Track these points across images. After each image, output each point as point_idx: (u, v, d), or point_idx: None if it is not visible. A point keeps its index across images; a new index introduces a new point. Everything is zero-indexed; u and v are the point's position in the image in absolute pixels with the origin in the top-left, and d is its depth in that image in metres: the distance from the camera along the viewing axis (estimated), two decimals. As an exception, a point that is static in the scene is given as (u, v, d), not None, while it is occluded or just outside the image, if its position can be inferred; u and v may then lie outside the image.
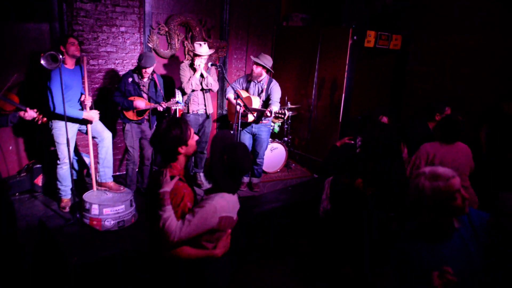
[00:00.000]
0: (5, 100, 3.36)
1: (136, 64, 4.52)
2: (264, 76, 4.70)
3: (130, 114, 4.30)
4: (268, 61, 4.60)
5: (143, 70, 4.19)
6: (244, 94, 4.74)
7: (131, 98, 4.25)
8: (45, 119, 3.55)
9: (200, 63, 4.58)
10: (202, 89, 4.75)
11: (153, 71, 4.33)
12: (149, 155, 4.61)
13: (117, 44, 4.93)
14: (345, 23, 5.62)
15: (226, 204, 2.02)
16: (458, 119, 3.49)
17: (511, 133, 4.37)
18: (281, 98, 4.83)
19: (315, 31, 5.92)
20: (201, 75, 4.66)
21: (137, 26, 5.04)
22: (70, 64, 3.88)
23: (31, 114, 3.42)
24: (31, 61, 4.35)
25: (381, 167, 2.77)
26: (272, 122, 5.87)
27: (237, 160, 2.03)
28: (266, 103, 4.74)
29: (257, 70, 4.60)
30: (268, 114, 4.34)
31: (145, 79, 4.31)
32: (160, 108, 4.28)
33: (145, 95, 4.32)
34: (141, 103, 4.22)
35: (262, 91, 4.74)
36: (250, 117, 4.58)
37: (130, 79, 4.26)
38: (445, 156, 3.37)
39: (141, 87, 4.29)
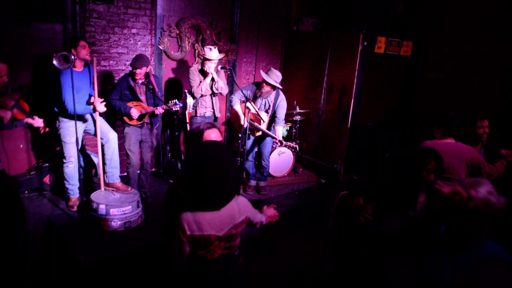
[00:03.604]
0: (19, 109, 3.52)
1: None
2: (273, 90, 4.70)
3: (129, 119, 4.29)
4: (277, 77, 4.56)
5: (135, 72, 4.14)
6: (250, 107, 4.75)
7: (130, 103, 4.23)
8: (47, 129, 3.71)
9: (210, 66, 4.60)
10: (212, 93, 4.78)
11: (148, 73, 4.27)
12: (148, 159, 4.59)
13: (128, 46, 4.97)
14: (355, 28, 5.61)
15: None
16: (450, 116, 3.51)
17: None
18: (289, 104, 4.87)
19: (326, 36, 5.91)
20: (212, 79, 4.68)
21: (148, 28, 5.08)
22: (79, 66, 3.92)
23: (38, 123, 3.62)
24: (43, 61, 4.41)
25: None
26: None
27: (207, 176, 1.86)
28: (272, 119, 4.79)
29: (267, 88, 4.58)
30: (279, 144, 4.59)
31: (140, 82, 4.25)
32: (158, 112, 4.24)
33: (143, 98, 4.31)
34: (135, 112, 4.18)
35: (269, 107, 4.76)
36: (258, 133, 4.70)
37: (126, 84, 4.23)
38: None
39: (137, 90, 4.26)
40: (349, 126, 5.70)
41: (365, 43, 5.43)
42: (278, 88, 4.64)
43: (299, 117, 5.80)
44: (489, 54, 5.32)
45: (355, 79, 5.53)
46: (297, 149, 4.57)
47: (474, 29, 5.46)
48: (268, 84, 4.54)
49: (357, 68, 5.49)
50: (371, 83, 6.27)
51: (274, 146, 5.44)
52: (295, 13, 6.66)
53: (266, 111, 4.78)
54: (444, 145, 3.43)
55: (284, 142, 4.54)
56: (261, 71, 4.71)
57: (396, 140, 5.73)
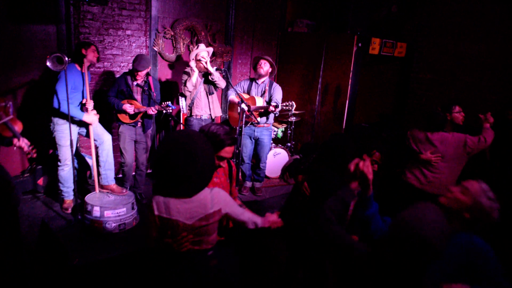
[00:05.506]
0: (9, 126, 3.09)
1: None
2: (266, 77, 4.79)
3: (123, 117, 4.29)
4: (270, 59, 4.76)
5: (136, 73, 4.14)
6: (246, 96, 4.77)
7: (124, 101, 4.23)
8: (35, 155, 3.26)
9: (203, 56, 4.49)
10: (208, 92, 4.72)
11: (148, 74, 4.28)
12: (143, 160, 4.56)
13: (123, 47, 4.96)
14: (350, 30, 5.64)
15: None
16: (438, 111, 3.89)
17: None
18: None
19: (320, 38, 5.93)
20: (208, 74, 4.57)
21: (143, 30, 5.07)
22: (83, 67, 3.92)
23: (22, 144, 3.15)
24: (38, 62, 4.38)
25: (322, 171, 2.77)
26: (276, 127, 5.89)
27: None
28: (269, 103, 4.78)
29: (265, 67, 4.68)
30: (272, 109, 4.42)
31: (139, 82, 4.25)
32: (151, 112, 4.21)
33: (138, 98, 4.30)
34: (129, 107, 4.19)
35: (264, 92, 4.78)
36: (258, 118, 4.66)
37: (123, 82, 4.22)
38: (426, 146, 3.80)
39: (134, 89, 4.26)
40: (344, 127, 5.72)
41: (360, 45, 5.46)
42: (274, 66, 4.77)
43: (294, 118, 5.81)
44: (483, 54, 5.36)
45: (350, 80, 5.55)
46: (294, 105, 4.53)
47: (467, 30, 5.51)
48: (265, 59, 4.67)
49: (351, 69, 5.52)
50: (366, 84, 6.31)
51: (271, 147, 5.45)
52: (289, 14, 6.68)
53: (262, 96, 4.81)
54: (433, 135, 3.81)
55: (280, 105, 4.48)
56: (258, 56, 4.84)
57: (392, 140, 5.76)
